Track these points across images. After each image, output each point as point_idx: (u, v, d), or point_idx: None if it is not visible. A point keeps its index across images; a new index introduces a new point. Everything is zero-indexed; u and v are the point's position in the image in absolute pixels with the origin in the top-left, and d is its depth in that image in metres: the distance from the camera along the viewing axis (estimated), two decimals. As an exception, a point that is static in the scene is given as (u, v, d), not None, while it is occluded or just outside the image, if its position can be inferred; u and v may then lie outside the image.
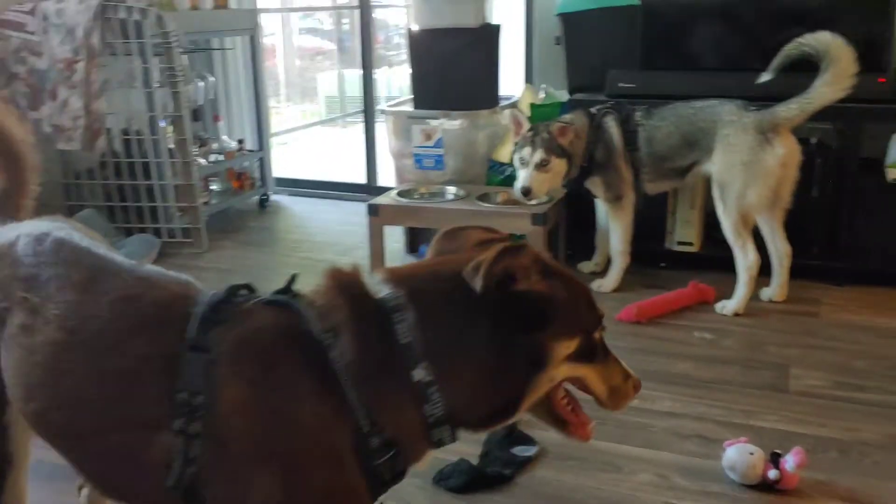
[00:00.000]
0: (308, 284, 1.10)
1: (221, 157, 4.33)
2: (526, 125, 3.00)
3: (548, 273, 1.07)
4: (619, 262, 3.11)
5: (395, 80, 7.38)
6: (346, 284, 1.07)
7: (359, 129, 4.87)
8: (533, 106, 3.48)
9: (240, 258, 3.68)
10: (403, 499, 1.80)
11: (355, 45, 4.93)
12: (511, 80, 3.90)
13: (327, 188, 4.83)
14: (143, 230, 3.75)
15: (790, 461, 1.83)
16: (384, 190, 3.67)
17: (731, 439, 1.94)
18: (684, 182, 3.08)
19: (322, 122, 7.85)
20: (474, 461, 1.94)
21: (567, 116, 3.07)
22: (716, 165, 2.85)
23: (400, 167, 3.65)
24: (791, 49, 2.68)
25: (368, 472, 1.02)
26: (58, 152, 3.77)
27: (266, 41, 6.45)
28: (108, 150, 3.69)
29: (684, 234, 3.32)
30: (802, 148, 2.83)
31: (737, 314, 2.86)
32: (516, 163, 3.01)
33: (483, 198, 3.25)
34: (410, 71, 3.59)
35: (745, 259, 2.85)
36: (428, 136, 3.45)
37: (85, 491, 1.60)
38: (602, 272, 3.19)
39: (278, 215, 4.50)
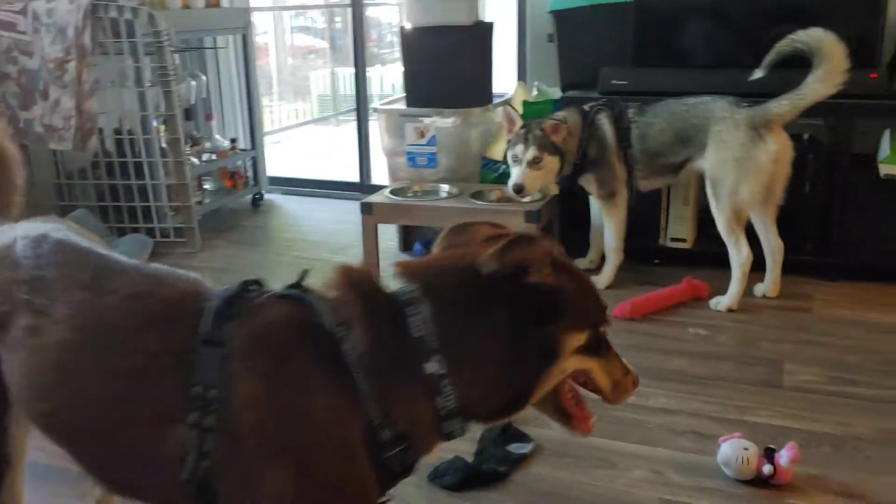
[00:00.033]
0: (316, 281, 1.11)
1: (214, 157, 4.33)
2: (519, 123, 3.01)
3: (558, 266, 1.08)
4: (613, 259, 3.12)
5: (388, 79, 7.37)
6: (357, 280, 1.08)
7: (352, 127, 4.86)
8: (525, 103, 3.48)
9: (233, 257, 3.67)
10: (399, 496, 1.80)
11: (348, 43, 4.91)
12: (504, 77, 3.90)
13: (320, 187, 4.83)
14: (135, 230, 3.74)
15: (784, 456, 1.83)
16: (377, 188, 3.67)
17: (725, 435, 1.94)
18: (677, 178, 3.08)
19: (315, 121, 7.84)
20: (469, 458, 1.94)
21: (560, 114, 3.07)
22: (708, 162, 2.85)
23: (393, 165, 3.64)
24: (783, 45, 2.69)
25: (379, 464, 1.03)
26: (50, 152, 3.76)
27: (258, 40, 6.44)
28: (101, 149, 3.68)
29: (678, 230, 3.32)
30: (794, 144, 2.84)
31: (730, 310, 2.87)
32: (509, 160, 3.01)
33: (476, 195, 3.25)
34: (403, 69, 3.59)
35: (738, 255, 2.86)
36: (421, 134, 3.45)
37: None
38: (596, 269, 3.20)
39: (271, 214, 4.49)
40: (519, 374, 1.08)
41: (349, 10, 4.63)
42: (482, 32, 3.49)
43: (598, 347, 1.16)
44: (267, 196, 4.68)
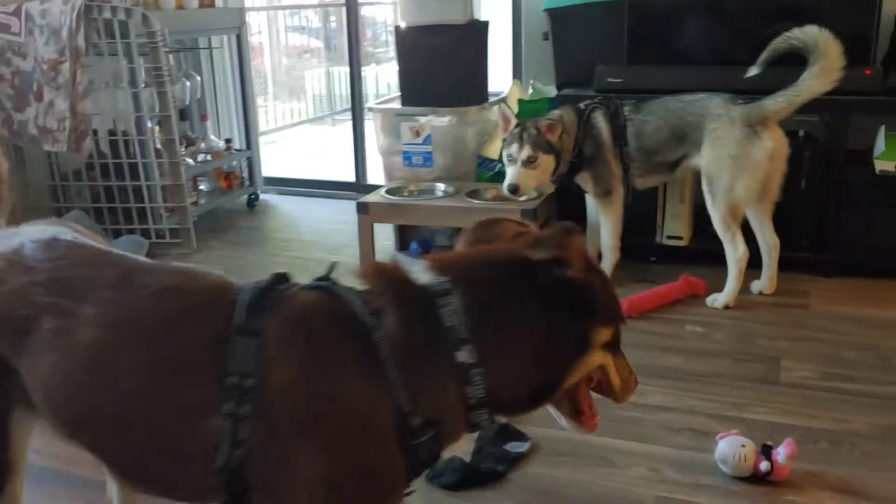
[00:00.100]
0: (343, 275, 1.14)
1: (209, 157, 4.31)
2: (514, 122, 3.00)
3: (588, 262, 1.11)
4: (610, 257, 3.12)
5: (383, 78, 7.36)
6: (387, 272, 1.10)
7: (347, 126, 4.85)
8: (521, 102, 3.48)
9: (229, 258, 3.67)
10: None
11: (343, 42, 4.92)
12: (499, 75, 3.90)
13: (316, 187, 4.82)
14: (131, 231, 3.73)
15: (781, 453, 1.84)
16: (373, 188, 3.66)
17: (722, 432, 1.95)
18: (674, 176, 3.08)
19: (310, 121, 7.82)
20: (467, 458, 1.94)
21: (555, 112, 3.07)
22: (704, 159, 2.85)
23: (389, 165, 3.64)
24: (779, 43, 2.69)
25: (408, 451, 1.04)
26: (44, 154, 3.75)
27: (253, 39, 6.43)
28: (95, 151, 3.67)
29: (674, 228, 3.32)
30: (790, 140, 2.84)
31: (727, 307, 2.87)
32: (504, 160, 3.01)
33: (472, 194, 3.25)
34: (398, 68, 3.59)
35: (734, 252, 2.86)
36: (416, 134, 3.45)
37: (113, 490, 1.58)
38: (592, 267, 3.19)
39: (267, 214, 4.48)
40: (550, 366, 1.11)
41: (344, 9, 4.62)
42: (477, 31, 3.48)
43: (616, 345, 1.20)
44: (262, 196, 4.67)
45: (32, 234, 1.23)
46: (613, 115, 2.99)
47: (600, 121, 3.00)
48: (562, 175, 3.06)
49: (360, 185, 4.60)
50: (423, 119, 3.45)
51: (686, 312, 2.86)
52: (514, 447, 1.98)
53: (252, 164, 4.60)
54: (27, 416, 1.23)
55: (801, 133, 3.13)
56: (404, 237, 3.67)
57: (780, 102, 2.72)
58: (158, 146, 3.71)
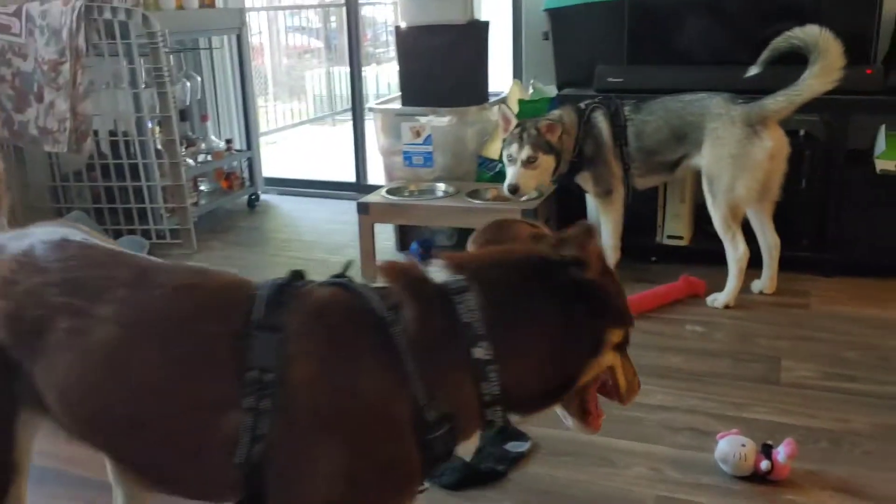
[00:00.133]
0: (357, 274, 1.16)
1: (210, 158, 4.32)
2: (514, 122, 3.00)
3: (605, 265, 1.14)
4: (610, 257, 3.11)
5: (384, 78, 7.36)
6: (403, 270, 1.11)
7: (347, 127, 4.85)
8: (521, 101, 3.48)
9: (229, 258, 3.67)
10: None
11: (343, 42, 4.92)
12: (499, 75, 3.90)
13: (317, 187, 4.82)
14: (131, 232, 3.73)
15: (782, 452, 1.84)
16: (374, 188, 3.66)
17: (722, 431, 1.95)
18: (674, 176, 3.08)
19: (311, 121, 7.82)
20: (467, 458, 1.94)
21: (556, 112, 3.07)
22: (705, 159, 2.85)
23: (389, 165, 3.64)
24: (779, 42, 2.69)
25: (423, 446, 1.05)
26: (45, 155, 3.75)
27: (253, 40, 6.42)
28: (96, 151, 3.67)
29: (674, 227, 3.32)
30: (790, 140, 2.84)
31: (727, 307, 2.87)
32: (505, 160, 3.01)
33: (473, 194, 3.25)
34: (399, 68, 3.59)
35: (734, 251, 2.86)
36: (417, 134, 3.45)
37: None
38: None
39: (268, 215, 4.48)
40: (565, 365, 1.13)
41: (344, 9, 4.62)
42: (477, 31, 3.48)
43: (625, 347, 1.22)
44: (263, 197, 4.68)
45: (42, 235, 1.23)
46: (614, 114, 2.99)
47: (601, 121, 3.00)
48: (562, 175, 3.06)
49: (360, 186, 4.60)
50: (423, 119, 3.45)
51: (686, 312, 2.86)
52: (514, 447, 1.99)
53: (252, 164, 4.61)
54: (34, 417, 1.23)
55: (802, 132, 3.13)
56: (405, 237, 3.67)
57: (780, 102, 2.72)
58: (159, 147, 3.71)
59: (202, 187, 4.35)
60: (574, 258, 1.09)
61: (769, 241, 2.92)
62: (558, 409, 1.25)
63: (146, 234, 3.72)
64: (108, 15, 3.44)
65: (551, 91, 3.56)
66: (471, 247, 1.23)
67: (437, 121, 3.43)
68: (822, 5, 3.01)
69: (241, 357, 1.04)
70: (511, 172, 2.95)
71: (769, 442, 1.87)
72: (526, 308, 1.10)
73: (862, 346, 2.54)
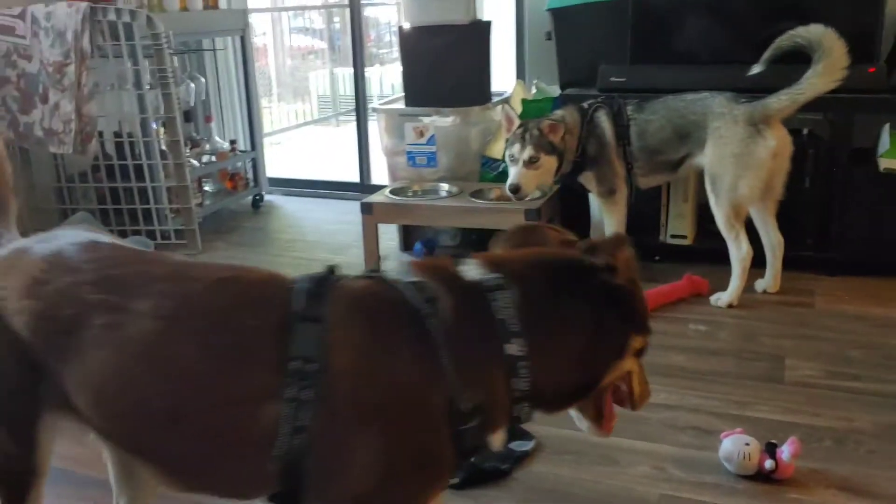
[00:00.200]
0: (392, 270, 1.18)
1: (214, 158, 4.33)
2: (517, 122, 3.01)
3: (634, 274, 1.18)
4: (613, 257, 3.11)
5: (387, 78, 7.37)
6: (437, 266, 1.15)
7: (351, 127, 4.86)
8: (524, 101, 3.48)
9: (234, 258, 3.67)
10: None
11: (346, 43, 4.92)
12: (502, 75, 3.90)
13: (320, 187, 4.83)
14: (136, 232, 3.74)
15: (785, 451, 1.84)
16: (377, 188, 3.67)
17: (726, 430, 1.95)
18: (677, 175, 3.08)
19: (314, 122, 7.84)
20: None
21: (558, 112, 3.07)
22: (708, 158, 2.85)
23: (393, 165, 3.65)
24: (783, 41, 2.68)
25: (456, 437, 1.07)
26: (50, 156, 3.76)
27: (257, 41, 6.45)
28: (101, 152, 3.68)
29: (678, 226, 3.32)
30: (794, 139, 2.84)
31: (731, 306, 2.87)
32: (507, 160, 3.02)
33: (476, 194, 3.25)
34: (402, 68, 3.59)
35: (738, 251, 2.86)
36: (420, 134, 3.46)
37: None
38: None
39: (272, 215, 4.49)
40: (592, 366, 1.17)
41: (347, 10, 4.63)
42: (480, 31, 3.49)
43: (643, 354, 1.26)
44: (267, 197, 4.69)
45: (70, 237, 1.24)
46: (617, 114, 3.00)
47: (603, 120, 3.01)
48: (565, 174, 3.07)
49: (364, 186, 4.61)
50: (426, 119, 3.46)
51: (690, 311, 2.86)
52: (518, 446, 1.99)
53: (257, 165, 4.61)
54: (57, 419, 1.22)
55: (805, 131, 3.13)
56: (408, 237, 3.68)
57: (783, 101, 2.71)
58: (163, 148, 3.72)
59: (206, 188, 4.36)
60: (606, 264, 1.12)
61: (773, 240, 2.92)
62: (572, 412, 1.27)
63: (151, 234, 3.74)
64: (112, 17, 3.46)
65: (554, 91, 3.56)
66: (498, 249, 1.26)
67: (441, 121, 3.43)
68: (826, 4, 3.01)
69: (284, 348, 1.05)
70: (513, 172, 2.96)
71: (773, 441, 1.87)
72: (559, 308, 1.13)
73: (866, 345, 2.54)
